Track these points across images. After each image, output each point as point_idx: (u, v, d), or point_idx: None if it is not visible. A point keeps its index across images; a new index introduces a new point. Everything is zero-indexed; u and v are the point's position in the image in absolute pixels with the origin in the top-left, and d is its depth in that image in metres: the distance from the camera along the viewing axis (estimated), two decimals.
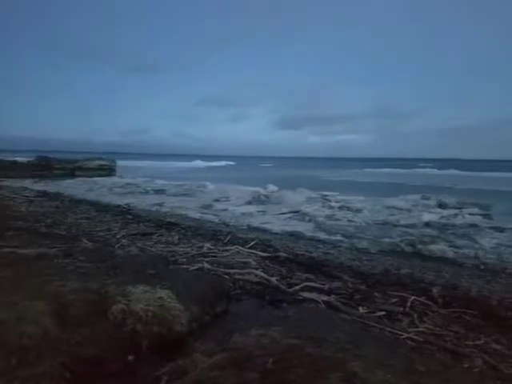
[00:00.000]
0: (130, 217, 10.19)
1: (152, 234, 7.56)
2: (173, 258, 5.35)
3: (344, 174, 43.12)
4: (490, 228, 10.65)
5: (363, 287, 4.66)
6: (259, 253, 6.14)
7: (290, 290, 4.25)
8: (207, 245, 6.42)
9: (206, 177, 28.73)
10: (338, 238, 9.42)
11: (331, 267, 5.74)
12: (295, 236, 9.39)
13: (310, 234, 9.75)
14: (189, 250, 6.01)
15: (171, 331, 2.66)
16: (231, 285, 4.17)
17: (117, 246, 6.03)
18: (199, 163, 72.69)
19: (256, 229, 10.10)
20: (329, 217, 12.19)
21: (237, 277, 4.54)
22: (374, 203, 14.91)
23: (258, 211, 13.46)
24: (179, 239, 7.06)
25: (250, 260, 5.50)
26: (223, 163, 79.39)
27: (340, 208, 13.99)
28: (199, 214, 12.16)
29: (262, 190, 18.42)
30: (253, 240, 7.27)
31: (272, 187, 19.82)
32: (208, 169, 55.49)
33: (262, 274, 4.64)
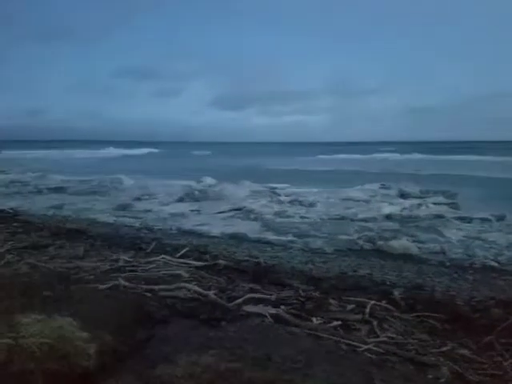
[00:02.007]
0: (17, 225, 9.47)
1: (48, 245, 7.13)
2: (76, 276, 5.07)
3: (295, 161, 44.24)
4: (457, 219, 11.65)
5: (317, 294, 4.78)
6: (193, 262, 6.14)
7: (231, 304, 4.24)
8: (124, 256, 6.25)
9: (123, 169, 27.58)
10: (289, 238, 9.65)
11: (280, 273, 5.85)
12: (238, 239, 9.45)
13: (256, 235, 9.88)
14: (99, 264, 5.82)
15: (75, 367, 2.55)
16: (156, 304, 4.07)
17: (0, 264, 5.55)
18: (113, 151, 69.91)
19: (189, 232, 10.04)
20: (278, 213, 12.45)
21: (164, 294, 4.46)
22: (329, 195, 15.54)
23: (192, 210, 13.39)
24: (86, 251, 6.74)
25: (181, 272, 5.46)
26: (145, 151, 77.31)
27: (291, 203, 14.37)
28: (114, 218, 11.89)
29: (196, 184, 18.25)
30: (184, 247, 7.23)
31: (209, 180, 19.69)
32: (125, 158, 53.58)
33: (196, 288, 4.59)
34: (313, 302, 4.47)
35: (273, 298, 4.49)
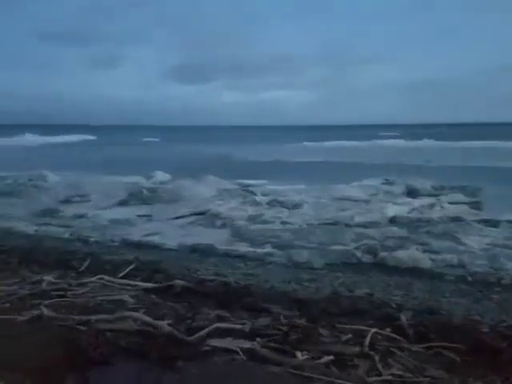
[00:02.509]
0: None
1: None
2: None
3: (275, 150, 44.52)
4: (480, 222, 11.95)
5: (303, 322, 4.77)
6: (140, 283, 6.14)
7: (191, 338, 4.20)
8: (49, 277, 6.19)
9: (46, 162, 27.07)
10: (268, 249, 9.71)
11: (256, 296, 5.86)
12: (201, 252, 9.47)
13: (225, 246, 9.91)
14: (15, 287, 5.77)
15: None
16: (92, 340, 4.02)
17: None
18: (30, 138, 68.86)
19: (136, 245, 10.05)
20: (253, 218, 12.48)
21: (102, 326, 4.41)
22: (319, 194, 15.69)
23: (140, 216, 13.39)
24: None
25: (125, 297, 5.45)
26: (77, 138, 76.50)
27: (270, 204, 14.45)
28: (35, 227, 11.82)
29: (144, 181, 18.20)
30: (130, 264, 7.25)
31: (161, 175, 19.62)
32: (49, 148, 52.62)
33: (145, 318, 4.55)
34: (298, 332, 4.45)
35: (246, 328, 4.46)
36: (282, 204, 14.26)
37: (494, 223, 11.72)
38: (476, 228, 11.44)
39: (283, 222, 12.16)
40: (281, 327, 4.53)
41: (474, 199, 15.12)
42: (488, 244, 10.01)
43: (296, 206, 14.03)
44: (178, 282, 6.14)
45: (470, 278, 8.06)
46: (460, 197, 15.25)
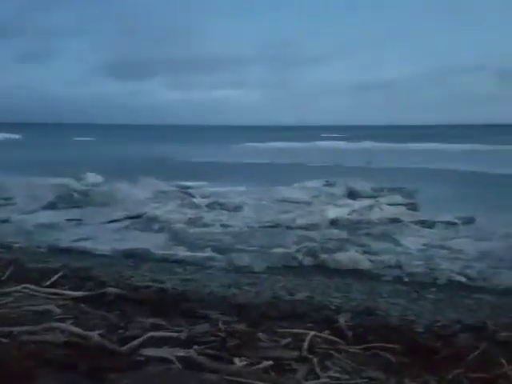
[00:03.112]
0: None
1: None
2: None
3: (216, 151, 44.40)
4: (416, 223, 12.39)
5: (242, 327, 4.78)
6: (69, 292, 5.95)
7: (124, 348, 4.10)
8: None
9: None
10: (207, 254, 9.66)
11: (194, 302, 5.82)
12: (136, 257, 9.34)
13: (162, 251, 9.81)
14: None
15: None
16: (16, 353, 3.83)
17: None
18: None
19: (65, 251, 9.80)
20: (192, 221, 12.39)
21: (26, 338, 4.23)
22: (260, 196, 15.75)
23: (69, 220, 13.03)
24: None
25: (52, 306, 5.25)
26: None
27: (209, 206, 14.37)
28: None
29: (75, 183, 17.61)
30: (57, 271, 7.01)
31: (93, 177, 19.09)
32: None
33: (74, 329, 4.39)
34: (236, 338, 4.43)
35: (183, 335, 4.40)
36: (222, 206, 14.22)
37: (429, 224, 12.19)
38: (413, 229, 11.86)
39: (223, 225, 12.15)
40: (219, 333, 4.49)
41: (410, 201, 15.66)
42: (424, 245, 10.40)
43: (237, 208, 14.03)
44: (110, 289, 6.02)
45: (406, 279, 8.34)
46: (398, 198, 15.74)
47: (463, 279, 8.26)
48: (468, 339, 4.73)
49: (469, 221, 12.46)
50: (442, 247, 10.16)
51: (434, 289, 7.67)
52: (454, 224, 12.16)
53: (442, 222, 12.25)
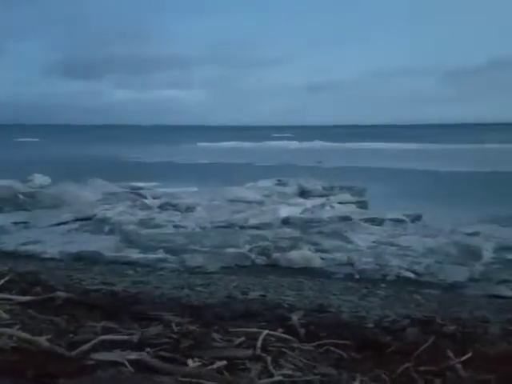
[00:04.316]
0: None
1: None
2: None
3: (168, 151, 44.06)
4: (366, 220, 12.65)
5: (195, 328, 4.72)
6: (16, 297, 5.77)
7: (74, 352, 3.99)
8: None
9: None
10: (160, 255, 9.60)
11: (146, 304, 5.75)
12: (86, 260, 9.22)
13: (113, 253, 9.70)
14: None
15: None
16: None
17: None
18: None
19: (11, 255, 9.59)
20: (143, 223, 12.29)
21: None
22: (213, 196, 15.75)
23: (15, 223, 12.63)
24: None
25: None
26: None
27: (161, 207, 14.29)
28: None
29: (20, 185, 17.03)
30: (4, 275, 6.76)
31: (40, 178, 18.58)
32: None
33: (21, 334, 4.26)
34: (190, 339, 4.39)
35: (135, 338, 4.31)
36: (174, 207, 14.15)
37: (379, 222, 12.48)
38: (363, 227, 12.10)
39: (176, 226, 12.09)
40: (172, 335, 4.44)
41: (360, 199, 16.03)
42: (374, 242, 10.64)
43: (189, 208, 13.98)
44: (59, 293, 5.85)
45: (357, 276, 8.51)
46: (348, 197, 16.08)
47: (411, 275, 8.49)
48: (416, 333, 4.86)
49: (416, 218, 12.84)
50: (391, 244, 10.41)
51: (383, 285, 7.86)
52: (402, 221, 12.49)
53: (390, 220, 12.55)
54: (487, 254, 9.40)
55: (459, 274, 8.37)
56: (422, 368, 3.90)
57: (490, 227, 11.46)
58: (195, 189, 17.75)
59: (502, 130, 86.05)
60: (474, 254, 9.33)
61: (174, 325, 4.72)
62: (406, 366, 3.89)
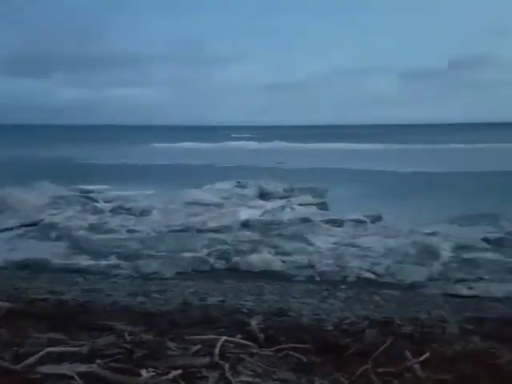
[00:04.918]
0: None
1: None
2: None
3: (121, 152, 43.40)
4: (327, 222, 12.82)
5: (149, 337, 4.68)
6: None
7: (19, 366, 3.92)
8: None
9: None
10: (112, 261, 9.50)
11: (97, 313, 5.69)
12: (32, 268, 9.03)
13: (62, 260, 9.55)
14: None
15: None
16: None
17: None
18: None
19: None
20: (94, 228, 12.13)
21: None
22: (169, 199, 15.63)
23: None
24: None
25: None
26: None
27: (114, 211, 14.12)
28: None
29: None
30: None
31: None
32: None
33: None
34: (144, 348, 4.34)
35: (85, 349, 4.25)
36: (128, 211, 13.99)
37: (339, 223, 12.66)
38: (323, 228, 12.25)
39: (130, 231, 11.97)
40: (125, 345, 4.38)
41: (321, 200, 16.22)
42: (334, 243, 10.80)
43: (144, 212, 13.86)
44: (1, 304, 5.75)
45: (318, 278, 8.62)
46: (309, 198, 16.23)
47: (371, 276, 8.68)
48: (375, 335, 4.97)
49: (377, 218, 13.09)
50: (352, 245, 10.58)
51: (344, 286, 7.99)
52: (362, 222, 12.71)
53: (351, 221, 12.75)
54: (445, 254, 9.71)
55: (418, 273, 8.62)
56: (380, 370, 3.98)
57: (449, 227, 11.83)
58: (150, 191, 17.59)
59: (462, 131, 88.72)
60: (432, 253, 9.61)
61: (126, 334, 4.66)
62: (364, 367, 3.97)
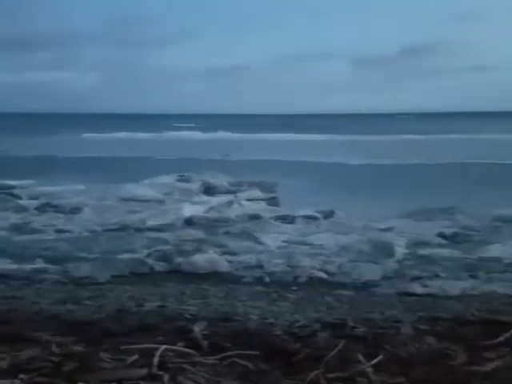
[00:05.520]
0: None
1: None
2: None
3: (48, 143, 42.39)
4: (277, 218, 12.96)
5: (80, 348, 4.64)
6: None
7: None
8: None
9: None
10: (38, 265, 9.27)
11: (19, 323, 5.54)
12: None
13: None
14: None
15: None
16: None
17: None
18: None
19: None
20: (18, 228, 11.94)
21: None
22: (103, 195, 15.39)
23: None
24: None
25: None
26: None
27: (40, 209, 13.87)
28: None
29: None
30: None
31: None
32: None
33: None
34: (74, 361, 4.29)
35: (4, 364, 4.18)
36: (56, 208, 13.74)
37: (290, 219, 12.80)
38: (273, 225, 12.38)
39: (58, 230, 11.78)
40: (51, 358, 4.32)
41: (271, 195, 16.29)
42: (285, 241, 10.93)
43: (74, 210, 13.63)
44: None
45: (267, 279, 8.68)
46: (258, 193, 16.29)
47: (324, 275, 8.80)
48: (327, 338, 5.05)
49: (329, 214, 13.30)
50: (303, 243, 10.73)
51: (295, 287, 8.07)
52: (314, 218, 12.90)
53: (302, 217, 12.92)
54: (400, 251, 9.99)
55: (372, 272, 8.82)
56: (331, 375, 4.06)
57: (403, 222, 12.17)
58: (81, 187, 17.22)
59: (415, 120, 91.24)
60: (387, 250, 9.86)
61: (54, 346, 4.60)
62: (315, 373, 4.04)
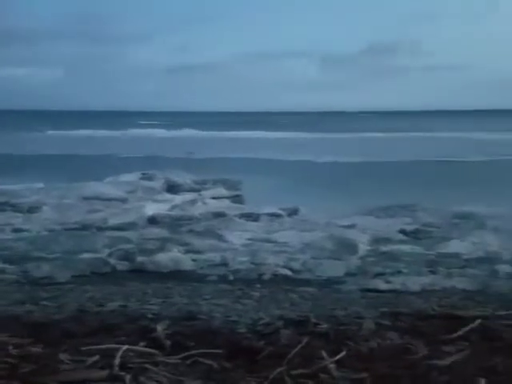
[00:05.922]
0: None
1: None
2: None
3: (6, 140, 41.52)
4: (242, 216, 12.99)
5: (38, 349, 4.59)
6: None
7: None
8: None
9: None
10: None
11: None
12: None
13: None
14: None
15: None
16: None
17: None
18: None
19: None
20: None
21: None
22: (63, 193, 15.20)
23: None
24: None
25: None
26: None
27: None
28: None
29: None
30: None
31: None
32: None
33: None
34: (32, 363, 4.24)
35: None
36: (13, 207, 13.53)
37: (254, 217, 12.86)
38: (238, 223, 12.40)
39: (16, 230, 11.65)
40: (8, 359, 4.26)
41: (235, 193, 16.31)
42: (249, 239, 10.97)
43: (33, 209, 13.45)
44: None
45: (231, 277, 8.69)
46: (222, 191, 16.30)
47: (288, 272, 8.88)
48: (290, 335, 5.07)
49: (293, 212, 13.39)
50: (268, 240, 10.79)
51: (259, 285, 8.10)
52: (278, 216, 12.97)
53: (267, 215, 12.97)
54: (363, 247, 10.13)
55: (336, 269, 8.93)
56: (295, 372, 4.07)
57: (366, 219, 12.35)
58: (41, 185, 16.96)
59: (381, 118, 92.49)
60: (350, 247, 10.00)
61: (11, 347, 4.54)
62: (278, 370, 4.05)
